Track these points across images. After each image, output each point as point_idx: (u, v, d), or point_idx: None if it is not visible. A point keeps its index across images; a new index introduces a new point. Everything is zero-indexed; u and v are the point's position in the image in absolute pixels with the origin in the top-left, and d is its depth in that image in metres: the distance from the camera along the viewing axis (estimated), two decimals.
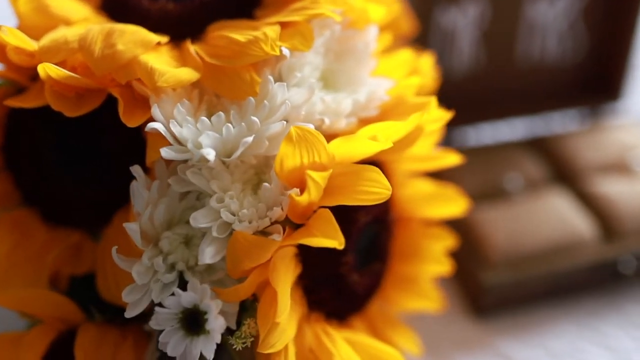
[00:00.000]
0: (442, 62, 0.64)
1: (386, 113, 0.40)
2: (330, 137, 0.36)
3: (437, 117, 0.40)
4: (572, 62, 0.67)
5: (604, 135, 0.64)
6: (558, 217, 0.56)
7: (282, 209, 0.35)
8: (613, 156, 0.62)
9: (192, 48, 0.38)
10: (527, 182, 0.60)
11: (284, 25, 0.38)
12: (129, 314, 0.36)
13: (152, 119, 0.36)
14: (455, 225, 0.56)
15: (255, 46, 0.36)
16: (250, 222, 0.35)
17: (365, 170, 0.35)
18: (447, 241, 0.47)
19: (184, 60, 0.38)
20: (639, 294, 0.56)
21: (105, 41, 0.36)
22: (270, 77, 0.37)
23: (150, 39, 0.37)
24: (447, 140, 0.65)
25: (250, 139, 0.34)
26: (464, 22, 0.62)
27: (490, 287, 0.53)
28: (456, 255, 0.57)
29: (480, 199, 0.59)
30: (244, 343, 0.35)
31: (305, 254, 0.38)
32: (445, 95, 0.64)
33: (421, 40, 0.62)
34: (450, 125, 0.63)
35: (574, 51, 0.67)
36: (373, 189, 0.35)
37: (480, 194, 0.59)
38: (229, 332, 0.36)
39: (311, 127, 0.36)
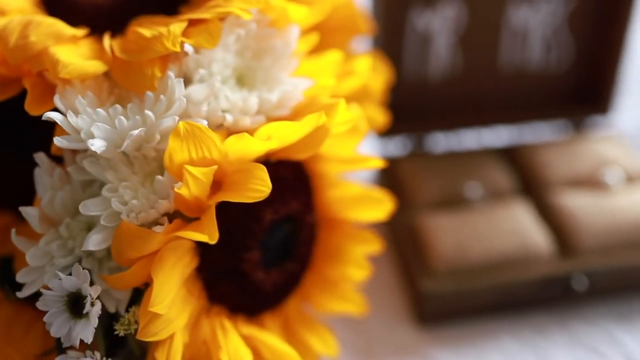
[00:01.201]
0: (418, 65, 0.64)
1: (298, 113, 0.41)
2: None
3: (347, 119, 0.41)
4: (557, 71, 0.67)
5: (580, 147, 0.63)
6: (514, 229, 0.56)
7: (169, 201, 0.37)
8: (585, 170, 0.61)
9: (106, 42, 0.40)
10: (490, 191, 0.60)
11: (195, 22, 0.40)
12: (22, 294, 0.38)
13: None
14: (406, 230, 0.57)
15: (158, 42, 0.38)
16: (138, 213, 0.37)
17: (256, 168, 0.37)
18: (373, 245, 0.48)
19: (99, 53, 0.40)
20: (589, 314, 0.56)
21: (21, 32, 0.39)
22: (171, 73, 0.38)
23: (63, 32, 0.39)
24: (419, 145, 0.66)
25: (136, 132, 0.36)
26: (439, 26, 0.63)
27: (431, 296, 0.53)
28: (403, 261, 0.58)
29: (438, 206, 0.59)
30: (126, 330, 0.37)
31: (205, 248, 0.40)
32: (421, 99, 0.65)
33: (396, 43, 0.63)
34: (425, 131, 0.65)
35: (559, 60, 0.66)
36: (259, 187, 0.36)
37: (438, 200, 0.59)
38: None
39: (204, 123, 0.37)
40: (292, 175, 0.43)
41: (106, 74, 0.40)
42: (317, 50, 0.55)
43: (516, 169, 0.63)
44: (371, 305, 0.57)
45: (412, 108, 0.66)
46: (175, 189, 0.36)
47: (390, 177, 0.62)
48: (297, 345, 0.45)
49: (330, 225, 0.48)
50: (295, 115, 0.41)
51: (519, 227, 0.56)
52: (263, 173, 0.36)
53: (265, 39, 0.42)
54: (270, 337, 0.42)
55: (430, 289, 0.53)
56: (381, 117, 0.52)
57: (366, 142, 0.67)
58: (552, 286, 0.55)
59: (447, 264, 0.54)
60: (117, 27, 0.42)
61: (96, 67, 0.39)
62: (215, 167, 0.36)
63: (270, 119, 0.41)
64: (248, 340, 0.42)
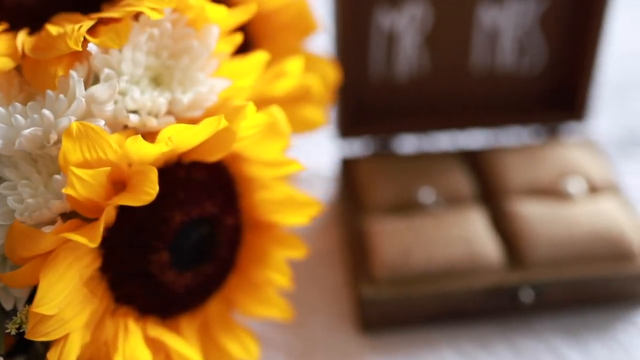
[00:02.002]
0: (385, 65, 0.63)
1: (210, 115, 0.41)
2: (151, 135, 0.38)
3: (257, 122, 0.41)
4: (530, 74, 0.65)
5: (545, 154, 0.62)
6: (463, 236, 0.55)
7: (63, 202, 0.37)
8: (547, 178, 0.59)
9: (19, 38, 0.41)
10: (446, 196, 0.59)
11: (106, 21, 0.40)
12: None
13: None
14: (354, 233, 0.57)
15: (61, 40, 0.38)
16: (33, 212, 0.37)
17: (149, 171, 0.37)
18: (297, 251, 0.47)
19: (12, 49, 0.41)
20: (536, 328, 0.54)
21: None
22: (74, 72, 0.39)
23: None
24: (386, 146, 0.65)
25: (27, 131, 0.37)
26: (405, 25, 0.62)
27: (371, 302, 0.53)
28: (348, 265, 0.58)
29: (390, 210, 0.58)
30: (18, 329, 0.38)
31: (109, 249, 0.40)
32: (389, 99, 0.65)
33: (361, 42, 0.62)
34: (392, 132, 0.64)
35: (531, 62, 0.65)
36: (151, 190, 0.37)
37: (391, 204, 0.59)
38: None
39: (100, 123, 0.38)
40: (206, 177, 0.43)
41: (19, 71, 0.41)
42: (265, 49, 0.55)
43: (477, 173, 0.62)
44: (316, 309, 0.57)
45: (379, 108, 0.65)
46: (64, 190, 0.36)
47: (347, 179, 0.62)
48: (213, 350, 0.46)
49: (257, 228, 0.48)
50: (208, 116, 0.41)
51: (468, 235, 0.55)
52: (153, 175, 0.36)
53: (182, 38, 0.42)
54: (176, 341, 0.42)
55: (370, 295, 0.53)
56: (322, 118, 0.52)
57: (330, 142, 0.67)
58: (498, 298, 0.54)
59: (389, 270, 0.53)
60: (38, 25, 0.42)
61: (3, 63, 0.39)
62: (107, 169, 0.37)
63: (182, 120, 0.41)
64: (154, 343, 0.42)
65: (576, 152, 0.62)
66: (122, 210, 0.39)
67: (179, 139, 0.38)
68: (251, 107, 0.40)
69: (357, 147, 0.65)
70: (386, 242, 0.55)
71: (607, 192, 0.60)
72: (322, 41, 0.67)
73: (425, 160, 0.62)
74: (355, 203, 0.60)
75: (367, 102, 0.65)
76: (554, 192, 0.59)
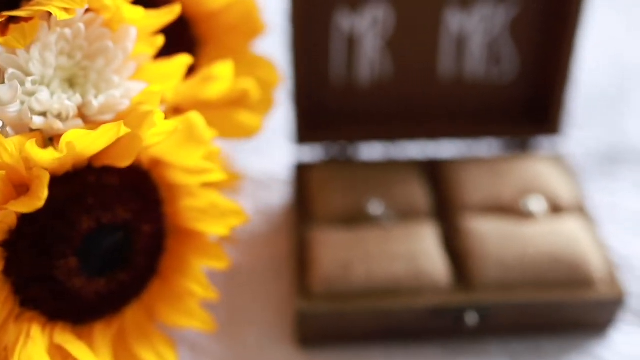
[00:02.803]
0: (344, 70, 0.62)
1: (119, 119, 0.41)
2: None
3: (165, 129, 0.40)
4: (499, 83, 0.63)
5: (509, 168, 0.60)
6: (411, 252, 0.53)
7: None
8: (507, 194, 0.58)
9: None
10: (398, 209, 0.58)
11: (18, 20, 0.40)
12: None
13: None
14: (299, 244, 0.56)
15: None
16: None
17: (43, 176, 0.37)
18: (218, 262, 0.47)
19: None
20: (481, 351, 0.53)
21: None
22: None
23: None
24: (344, 152, 0.64)
25: None
26: (366, 28, 0.61)
27: (307, 316, 0.52)
28: (291, 277, 0.57)
29: (338, 220, 0.57)
30: None
31: (13, 252, 0.40)
32: (350, 105, 0.64)
33: (320, 45, 0.61)
34: (353, 139, 0.63)
35: (501, 71, 0.63)
36: (41, 195, 0.36)
37: (340, 215, 0.58)
38: None
39: None
40: (119, 182, 0.42)
41: None
42: (212, 50, 0.55)
43: (434, 186, 0.61)
44: (256, 320, 0.56)
45: (339, 114, 0.64)
46: None
47: (299, 185, 0.61)
48: (127, 359, 0.45)
49: (181, 236, 0.47)
50: (118, 121, 0.41)
51: (416, 251, 0.54)
52: (45, 180, 0.36)
53: (97, 39, 0.42)
54: (80, 349, 0.42)
55: (306, 309, 0.52)
56: (259, 124, 0.51)
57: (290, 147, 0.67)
58: (442, 319, 0.52)
59: (327, 284, 0.52)
60: None
61: None
62: (2, 172, 0.36)
63: (95, 123, 0.41)
64: (60, 351, 0.42)
65: (542, 168, 0.60)
66: (28, 213, 0.39)
67: (80, 144, 0.38)
68: (159, 113, 0.39)
69: (317, 151, 0.64)
70: (327, 254, 0.54)
71: (572, 212, 0.58)
72: (279, 44, 0.67)
73: (381, 169, 0.61)
74: (303, 211, 0.59)
75: (326, 107, 0.64)
76: (513, 209, 0.57)
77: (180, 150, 0.43)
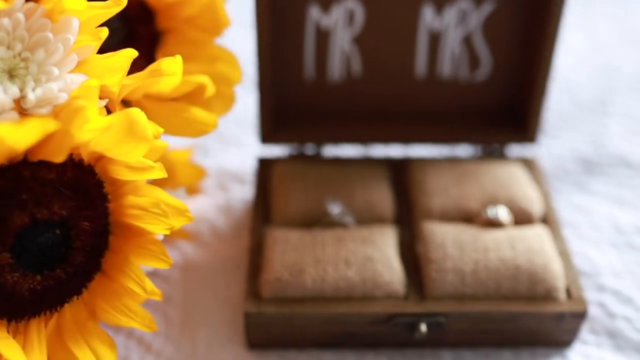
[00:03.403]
0: (313, 68, 0.61)
1: (56, 114, 0.40)
2: None
3: (100, 125, 0.39)
4: (473, 86, 0.62)
5: (476, 173, 0.59)
6: (366, 258, 0.52)
7: None
8: (474, 200, 0.57)
9: None
10: (358, 211, 0.57)
11: None
12: None
13: None
14: (252, 243, 0.55)
15: None
16: None
17: None
18: (160, 262, 0.46)
19: None
20: None
21: None
22: None
23: None
24: (311, 149, 0.63)
25: None
26: (335, 24, 0.59)
27: (254, 319, 0.51)
28: (244, 278, 0.56)
29: (298, 220, 0.56)
30: None
31: None
32: (316, 105, 0.63)
33: (287, 41, 0.60)
34: (317, 141, 0.62)
35: (473, 72, 0.62)
36: None
37: (300, 214, 0.57)
38: None
39: None
40: (55, 177, 0.42)
41: None
42: (174, 43, 0.54)
43: (400, 188, 0.60)
44: (209, 320, 0.55)
45: (306, 113, 0.63)
46: None
47: (261, 182, 0.60)
48: (63, 358, 0.45)
49: (125, 234, 0.46)
50: (55, 115, 0.40)
51: (371, 257, 0.53)
52: None
53: (37, 30, 0.41)
54: (9, 347, 0.41)
55: (253, 312, 0.51)
56: (213, 122, 0.50)
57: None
58: (395, 327, 0.51)
59: (277, 287, 0.51)
60: None
61: None
62: None
63: (30, 117, 0.40)
64: None
65: (511, 175, 0.59)
66: None
67: (10, 138, 0.37)
68: (93, 108, 0.38)
69: (286, 147, 0.63)
70: (279, 256, 0.53)
71: (538, 222, 0.57)
72: (247, 38, 0.66)
73: (347, 169, 0.60)
74: (262, 210, 0.58)
75: (294, 106, 0.63)
76: (477, 217, 0.56)
77: (120, 147, 0.42)
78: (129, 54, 0.44)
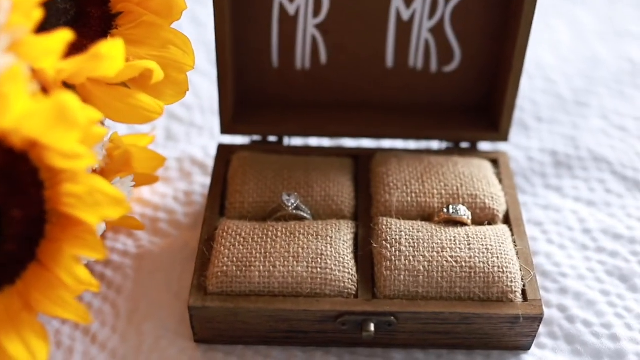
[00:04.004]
0: (275, 56, 0.60)
1: None
2: None
3: (24, 111, 0.38)
4: (441, 77, 0.60)
5: (441, 168, 0.57)
6: (318, 254, 0.51)
7: None
8: (435, 196, 0.55)
9: None
10: (315, 205, 0.55)
11: None
12: None
13: None
14: (204, 235, 0.54)
15: None
16: None
17: None
18: (95, 253, 0.44)
19: None
20: None
21: None
22: None
23: None
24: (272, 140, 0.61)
25: None
26: (296, 11, 0.58)
27: (198, 314, 0.50)
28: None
29: (251, 213, 0.55)
30: None
31: None
32: (279, 95, 0.61)
33: (252, 27, 0.58)
34: (280, 133, 0.61)
35: (442, 64, 0.60)
36: None
37: (253, 207, 0.55)
38: None
39: None
40: None
41: None
42: (129, 27, 0.52)
43: (361, 182, 0.58)
44: (158, 313, 0.54)
45: (269, 104, 0.62)
46: None
47: (219, 170, 0.59)
48: None
49: (61, 223, 0.45)
50: None
51: (323, 253, 0.51)
52: None
53: None
54: None
55: (196, 306, 0.49)
56: (159, 108, 0.48)
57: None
58: (345, 326, 0.50)
59: (222, 281, 0.50)
60: None
61: None
62: None
63: None
64: None
65: (476, 171, 0.57)
66: None
67: None
68: (18, 93, 0.37)
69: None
70: (228, 249, 0.51)
71: (500, 221, 0.55)
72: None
73: (308, 160, 0.58)
74: (216, 200, 0.56)
75: (257, 95, 0.61)
76: (437, 215, 0.54)
77: (51, 133, 0.41)
78: (64, 36, 0.42)
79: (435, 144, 0.63)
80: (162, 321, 0.53)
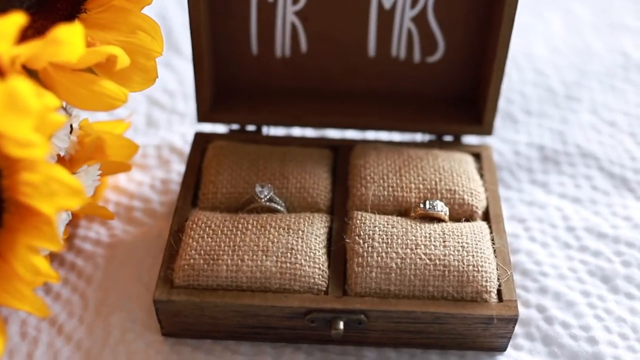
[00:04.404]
0: (256, 42, 0.58)
1: None
2: None
3: None
4: (424, 68, 0.58)
5: (420, 162, 0.55)
6: (288, 248, 0.49)
7: None
8: (413, 191, 0.53)
9: None
10: (290, 197, 0.53)
11: None
12: None
13: None
14: (174, 226, 0.52)
15: None
16: None
17: None
18: (51, 244, 0.43)
19: None
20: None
21: None
22: None
23: None
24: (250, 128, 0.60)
25: None
26: None
27: (164, 307, 0.48)
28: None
29: (223, 204, 0.53)
30: None
31: None
32: (258, 83, 0.59)
33: (229, 13, 0.57)
34: (258, 122, 0.59)
35: (423, 53, 0.58)
36: None
37: (225, 198, 0.54)
38: None
39: None
40: None
41: None
42: (99, 11, 0.50)
43: (339, 174, 0.56)
44: (125, 304, 0.53)
45: (247, 92, 0.60)
46: None
47: (194, 159, 0.57)
48: None
49: (21, 213, 0.43)
50: None
51: (294, 248, 0.49)
52: None
53: None
54: None
55: (162, 299, 0.48)
56: (122, 96, 0.47)
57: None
58: (314, 323, 0.48)
59: (189, 274, 0.48)
60: None
61: None
62: None
63: None
64: None
65: (456, 166, 0.55)
66: None
67: None
68: None
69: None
70: (197, 242, 0.50)
71: (481, 217, 0.53)
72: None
73: (286, 150, 0.57)
74: (189, 190, 0.55)
75: (235, 83, 0.60)
76: (414, 209, 0.52)
77: (3, 120, 0.39)
78: (17, 19, 0.40)
79: (418, 137, 0.61)
80: (130, 313, 0.52)
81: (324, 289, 0.49)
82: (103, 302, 0.53)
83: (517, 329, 0.51)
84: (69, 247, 0.57)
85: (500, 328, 0.48)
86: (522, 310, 0.52)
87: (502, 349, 0.50)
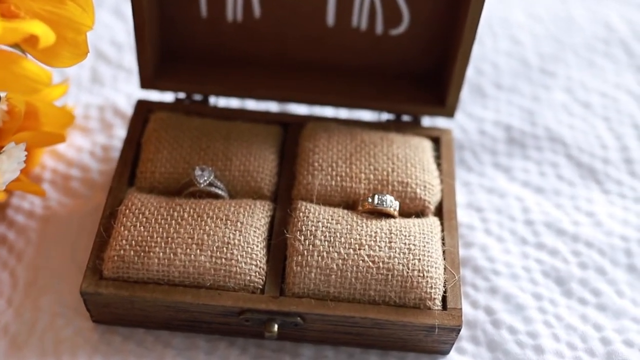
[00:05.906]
0: (205, 7, 0.54)
1: None
2: None
3: None
4: (386, 40, 0.55)
5: (372, 148, 0.52)
6: (224, 242, 0.47)
7: None
8: (361, 182, 0.51)
9: None
10: (234, 181, 0.51)
11: None
12: None
13: None
14: (106, 209, 0.50)
15: None
16: None
17: None
18: None
19: None
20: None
21: None
22: None
23: None
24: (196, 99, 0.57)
25: None
26: None
27: (91, 298, 0.47)
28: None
29: (160, 187, 0.51)
30: None
31: None
32: (206, 50, 0.56)
33: None
34: (205, 92, 0.56)
35: (386, 25, 0.54)
36: None
37: (163, 180, 0.51)
38: None
39: None
40: None
41: None
42: None
43: (290, 155, 0.54)
44: (56, 286, 0.51)
45: (194, 59, 0.57)
46: None
47: (133, 130, 0.54)
48: None
49: None
50: None
51: (231, 241, 0.47)
52: None
53: None
54: None
55: (88, 292, 0.46)
56: (45, 76, 0.43)
57: None
58: (247, 322, 0.47)
59: (119, 266, 0.46)
60: None
61: None
62: None
63: None
64: None
65: (413, 153, 0.52)
66: None
67: None
68: None
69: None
70: (128, 230, 0.47)
71: (433, 213, 0.51)
72: None
73: (232, 126, 0.54)
74: (128, 166, 0.52)
75: (182, 49, 0.56)
76: (362, 203, 0.50)
77: None
78: None
79: (376, 115, 0.58)
80: (61, 296, 0.51)
81: (260, 286, 0.47)
82: (33, 282, 0.51)
83: (463, 331, 0.50)
84: (1, 218, 0.54)
85: (442, 336, 0.47)
86: (469, 312, 0.50)
87: (445, 352, 0.49)
